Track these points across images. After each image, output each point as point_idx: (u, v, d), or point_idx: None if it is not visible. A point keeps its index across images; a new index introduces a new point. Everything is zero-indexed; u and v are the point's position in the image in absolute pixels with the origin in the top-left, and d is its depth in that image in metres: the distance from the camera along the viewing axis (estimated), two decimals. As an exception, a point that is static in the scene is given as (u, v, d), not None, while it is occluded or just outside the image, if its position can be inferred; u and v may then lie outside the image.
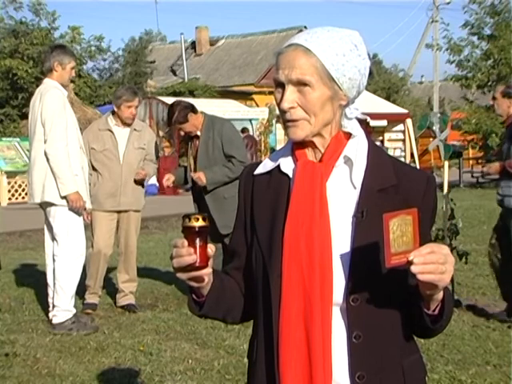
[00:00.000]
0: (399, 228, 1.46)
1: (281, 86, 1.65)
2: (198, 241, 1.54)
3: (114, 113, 6.40)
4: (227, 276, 1.80)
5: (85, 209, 5.74)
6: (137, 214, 6.50)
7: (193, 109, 6.12)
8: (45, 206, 5.72)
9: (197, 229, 1.54)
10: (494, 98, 6.02)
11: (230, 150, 6.00)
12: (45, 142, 5.55)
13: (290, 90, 1.63)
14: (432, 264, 1.44)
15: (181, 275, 1.59)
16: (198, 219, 1.54)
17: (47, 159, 5.54)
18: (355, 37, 1.66)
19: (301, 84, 1.61)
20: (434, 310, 1.58)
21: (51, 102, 5.54)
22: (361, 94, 1.70)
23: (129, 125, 6.37)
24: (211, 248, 1.58)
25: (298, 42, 1.63)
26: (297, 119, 1.64)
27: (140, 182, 6.41)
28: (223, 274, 1.80)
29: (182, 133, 6.23)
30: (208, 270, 1.60)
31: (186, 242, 1.55)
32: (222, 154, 5.99)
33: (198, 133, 6.10)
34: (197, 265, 1.55)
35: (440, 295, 1.54)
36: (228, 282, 1.78)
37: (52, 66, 5.70)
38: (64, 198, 5.56)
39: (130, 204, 6.38)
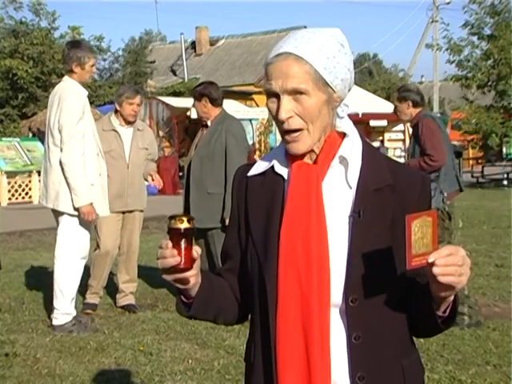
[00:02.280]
0: (420, 230, 1.46)
1: (275, 95, 1.63)
2: (182, 242, 1.54)
3: (116, 112, 6.38)
4: (218, 277, 1.79)
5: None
6: (141, 214, 6.53)
7: (213, 99, 6.04)
8: (56, 211, 5.70)
9: (182, 230, 1.54)
10: (395, 106, 6.04)
11: (231, 144, 5.90)
12: (61, 149, 5.50)
13: (286, 100, 1.61)
14: (452, 266, 1.44)
15: (166, 277, 1.59)
16: (183, 221, 1.54)
17: (62, 168, 5.49)
18: (339, 35, 1.65)
19: (296, 92, 1.60)
20: (444, 312, 1.58)
21: (70, 110, 5.47)
22: (350, 91, 1.69)
23: (131, 123, 6.36)
24: (196, 250, 1.57)
25: (288, 51, 1.60)
26: (295, 129, 1.62)
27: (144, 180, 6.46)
28: (213, 276, 1.79)
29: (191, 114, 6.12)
30: (192, 272, 1.59)
31: (170, 244, 1.55)
32: (223, 148, 5.92)
33: (209, 123, 6.09)
34: (181, 266, 1.55)
35: (452, 297, 1.54)
36: (219, 283, 1.77)
37: (71, 67, 5.63)
38: (77, 209, 5.53)
39: (135, 204, 6.39)
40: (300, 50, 1.59)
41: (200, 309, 1.70)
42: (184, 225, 1.54)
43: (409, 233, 1.45)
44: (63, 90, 5.61)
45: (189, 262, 1.56)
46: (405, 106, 5.99)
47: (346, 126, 1.69)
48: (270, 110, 1.66)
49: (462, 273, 1.45)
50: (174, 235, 1.55)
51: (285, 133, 1.64)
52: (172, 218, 1.56)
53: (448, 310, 1.58)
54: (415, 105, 5.94)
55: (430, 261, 1.43)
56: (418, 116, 5.90)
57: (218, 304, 1.75)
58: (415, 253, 1.45)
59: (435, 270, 1.43)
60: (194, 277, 1.61)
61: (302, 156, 1.68)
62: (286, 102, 1.61)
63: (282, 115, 1.61)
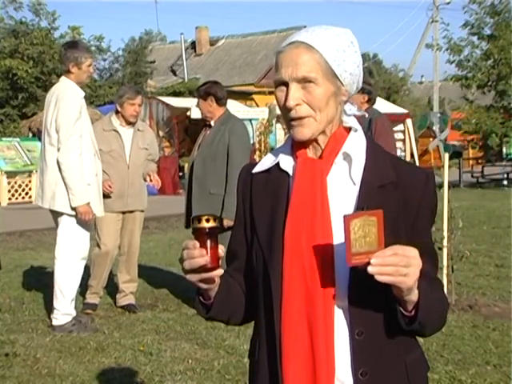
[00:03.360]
0: (361, 228, 1.46)
1: (284, 84, 1.65)
2: (208, 242, 1.54)
3: (117, 112, 6.38)
4: (229, 277, 1.79)
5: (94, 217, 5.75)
6: (142, 214, 6.52)
7: (218, 99, 6.03)
8: (53, 211, 5.69)
9: (207, 230, 1.54)
10: None
11: (234, 144, 5.89)
12: (58, 149, 5.49)
13: (295, 88, 1.62)
14: (391, 266, 1.44)
15: (191, 277, 1.58)
16: (208, 220, 1.54)
17: (59, 168, 5.48)
18: (349, 34, 1.68)
19: (306, 81, 1.62)
20: (410, 311, 1.58)
21: (67, 109, 5.46)
22: (358, 89, 1.72)
23: (132, 123, 6.36)
24: (221, 249, 1.57)
25: (300, 40, 1.63)
26: (303, 116, 1.63)
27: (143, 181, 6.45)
28: (227, 276, 1.78)
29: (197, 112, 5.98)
30: (219, 271, 1.59)
31: (197, 244, 1.54)
32: (225, 149, 5.90)
33: (212, 123, 6.09)
34: (208, 266, 1.54)
35: (414, 297, 1.53)
36: (231, 283, 1.77)
37: (68, 67, 5.63)
38: (74, 208, 5.52)
39: (136, 204, 6.39)
40: (311, 40, 1.62)
41: (219, 310, 1.71)
42: (209, 224, 1.54)
43: (347, 231, 1.46)
44: (60, 90, 5.61)
45: (216, 261, 1.55)
46: (361, 97, 5.97)
47: (352, 123, 1.71)
48: (277, 99, 1.67)
49: (406, 273, 1.45)
50: (200, 235, 1.54)
51: (291, 119, 1.65)
52: (196, 218, 1.55)
53: (413, 310, 1.57)
54: (369, 101, 5.95)
55: (371, 260, 1.44)
56: (368, 112, 5.91)
57: (232, 304, 1.76)
58: (355, 251, 1.46)
59: (369, 269, 1.44)
60: (218, 276, 1.61)
61: (307, 146, 1.69)
62: (295, 90, 1.62)
63: (291, 103, 1.62)
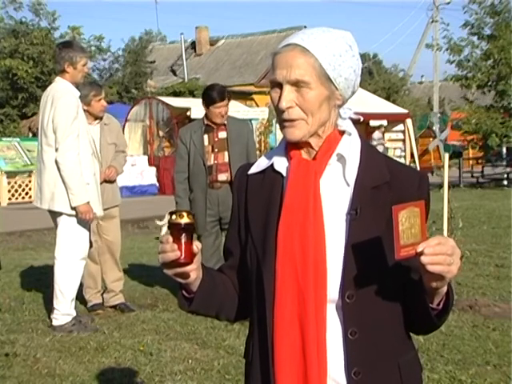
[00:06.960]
0: (408, 220, 1.47)
1: (278, 85, 1.66)
2: (183, 237, 1.57)
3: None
4: (221, 273, 1.81)
5: (96, 218, 5.74)
6: (117, 209, 6.52)
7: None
8: (53, 211, 5.69)
9: (182, 225, 1.57)
10: None
11: (251, 143, 6.21)
12: (56, 149, 5.48)
13: (288, 90, 1.64)
14: (441, 255, 1.46)
15: (166, 271, 1.62)
16: (183, 216, 1.57)
17: (58, 168, 5.47)
18: (349, 38, 1.68)
19: (299, 84, 1.63)
20: (438, 305, 1.59)
21: (64, 109, 5.45)
22: (355, 93, 1.72)
23: (100, 118, 6.35)
24: (197, 245, 1.59)
25: (296, 42, 1.64)
26: (294, 119, 1.65)
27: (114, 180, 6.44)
28: (215, 272, 1.81)
29: (221, 112, 5.97)
30: (193, 267, 1.61)
31: (170, 238, 1.57)
32: (246, 148, 6.08)
33: (225, 122, 6.05)
34: (181, 261, 1.58)
35: (444, 289, 1.55)
36: (220, 279, 1.79)
37: (63, 67, 5.63)
38: (74, 208, 5.51)
39: (113, 201, 6.41)
40: (307, 43, 1.63)
41: (201, 304, 1.72)
42: (184, 220, 1.57)
43: (396, 223, 1.47)
44: (56, 90, 5.61)
45: (189, 256, 1.58)
46: None
47: (347, 126, 1.72)
48: (272, 100, 1.69)
49: (452, 262, 1.47)
50: (175, 230, 1.57)
51: (284, 120, 1.66)
52: (172, 213, 1.58)
53: (442, 303, 1.59)
54: None
55: (418, 250, 1.45)
56: None
57: (219, 300, 1.77)
58: (403, 243, 1.47)
59: (423, 259, 1.45)
60: (194, 271, 1.63)
61: (301, 148, 1.70)
62: (288, 92, 1.64)
63: (283, 104, 1.64)
